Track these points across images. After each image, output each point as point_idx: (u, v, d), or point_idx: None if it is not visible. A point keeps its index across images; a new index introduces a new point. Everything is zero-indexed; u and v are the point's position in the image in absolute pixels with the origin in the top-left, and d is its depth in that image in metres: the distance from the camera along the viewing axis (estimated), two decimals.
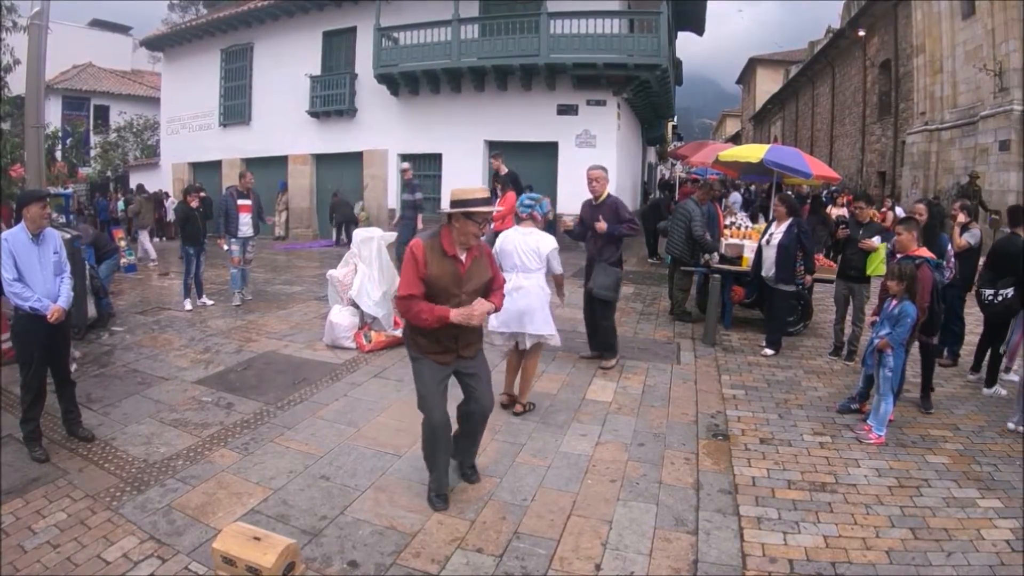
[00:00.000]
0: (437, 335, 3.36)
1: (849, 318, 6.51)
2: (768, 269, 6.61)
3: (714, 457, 4.21)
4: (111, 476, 3.85)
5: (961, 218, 6.43)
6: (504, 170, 9.85)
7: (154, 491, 3.66)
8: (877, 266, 6.14)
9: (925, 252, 4.81)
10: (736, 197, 15.80)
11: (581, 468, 4.01)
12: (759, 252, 6.83)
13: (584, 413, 4.92)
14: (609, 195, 5.93)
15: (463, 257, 3.37)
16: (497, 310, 3.56)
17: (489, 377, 3.69)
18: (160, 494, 3.63)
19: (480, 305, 3.34)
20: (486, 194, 3.41)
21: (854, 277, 6.34)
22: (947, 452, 4.34)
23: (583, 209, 6.08)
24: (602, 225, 5.74)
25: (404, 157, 15.98)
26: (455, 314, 3.24)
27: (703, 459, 4.17)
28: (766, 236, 6.74)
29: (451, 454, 3.62)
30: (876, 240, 6.15)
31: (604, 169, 5.99)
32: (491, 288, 3.56)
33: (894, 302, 4.62)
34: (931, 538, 3.29)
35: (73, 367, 5.79)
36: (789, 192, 11.07)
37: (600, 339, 6.18)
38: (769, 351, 6.62)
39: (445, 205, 3.40)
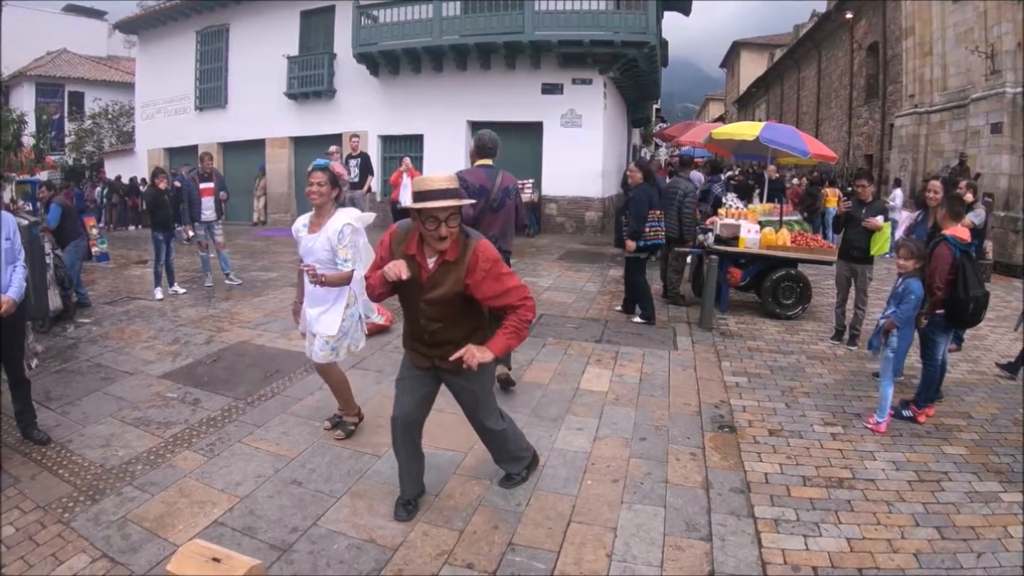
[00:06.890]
0: (412, 328, 2.98)
1: (850, 302, 6.25)
2: None
3: (722, 452, 3.91)
4: (65, 484, 3.48)
5: (968, 197, 6.23)
6: (358, 150, 11.27)
7: (109, 501, 3.30)
8: (882, 245, 5.93)
9: (957, 231, 4.43)
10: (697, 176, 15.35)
11: (579, 467, 3.68)
12: None
13: (579, 405, 4.60)
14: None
15: (431, 261, 2.80)
16: (496, 354, 2.77)
17: (478, 398, 3.11)
18: (116, 504, 3.27)
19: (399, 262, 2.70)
20: (447, 184, 2.68)
21: (857, 257, 6.07)
22: (963, 442, 4.12)
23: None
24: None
25: (385, 139, 15.59)
26: (387, 267, 2.69)
27: (710, 454, 3.87)
28: None
29: (414, 458, 3.18)
30: (880, 219, 5.90)
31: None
32: (500, 308, 2.81)
33: (900, 280, 4.38)
34: (959, 538, 3.06)
35: (34, 363, 5.41)
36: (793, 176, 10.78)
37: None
38: (637, 319, 6.86)
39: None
